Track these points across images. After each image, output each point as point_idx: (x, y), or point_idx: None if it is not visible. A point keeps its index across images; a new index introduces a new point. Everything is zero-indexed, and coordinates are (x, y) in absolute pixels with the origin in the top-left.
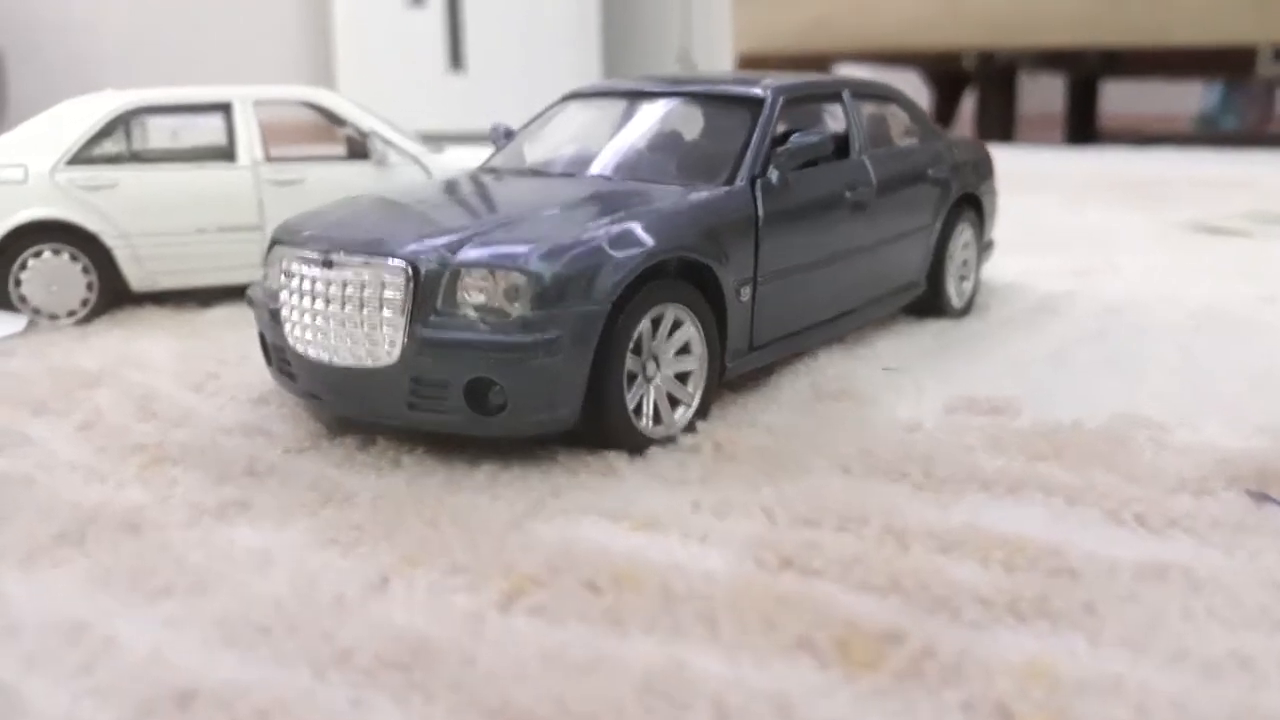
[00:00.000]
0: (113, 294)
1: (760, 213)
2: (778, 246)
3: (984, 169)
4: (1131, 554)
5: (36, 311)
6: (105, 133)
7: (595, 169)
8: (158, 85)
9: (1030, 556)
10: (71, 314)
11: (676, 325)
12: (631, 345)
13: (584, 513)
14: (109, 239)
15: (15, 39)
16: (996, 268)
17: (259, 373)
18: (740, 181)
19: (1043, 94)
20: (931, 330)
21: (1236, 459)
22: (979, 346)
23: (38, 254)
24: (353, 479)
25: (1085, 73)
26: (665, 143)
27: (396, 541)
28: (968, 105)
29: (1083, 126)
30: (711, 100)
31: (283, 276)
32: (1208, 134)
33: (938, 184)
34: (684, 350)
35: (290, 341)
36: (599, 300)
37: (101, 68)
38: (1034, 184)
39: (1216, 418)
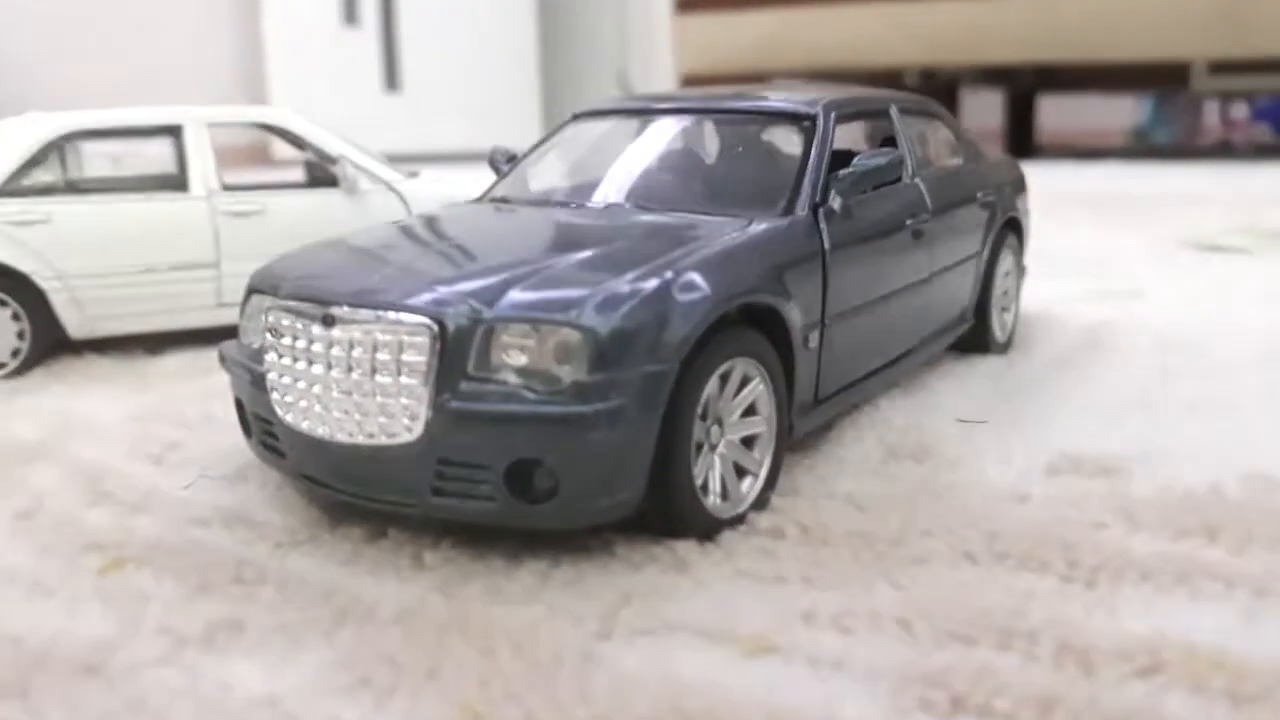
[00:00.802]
0: (48, 343)
1: (826, 245)
2: (844, 283)
3: (1020, 188)
4: None
5: None
6: (36, 161)
7: (626, 198)
8: (82, 108)
9: (1254, 680)
10: (0, 367)
11: (743, 381)
12: (701, 410)
13: (671, 630)
14: (42, 280)
15: None
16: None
17: (231, 439)
18: (801, 211)
19: (982, 110)
20: (981, 370)
21: None
22: (1044, 390)
23: None
24: (368, 585)
25: (1023, 89)
26: (702, 167)
27: (445, 681)
28: None
29: (1022, 141)
30: (752, 118)
31: (268, 335)
32: (1142, 148)
33: (985, 207)
34: (749, 411)
35: (279, 413)
36: (667, 358)
37: (18, 87)
38: None
39: None
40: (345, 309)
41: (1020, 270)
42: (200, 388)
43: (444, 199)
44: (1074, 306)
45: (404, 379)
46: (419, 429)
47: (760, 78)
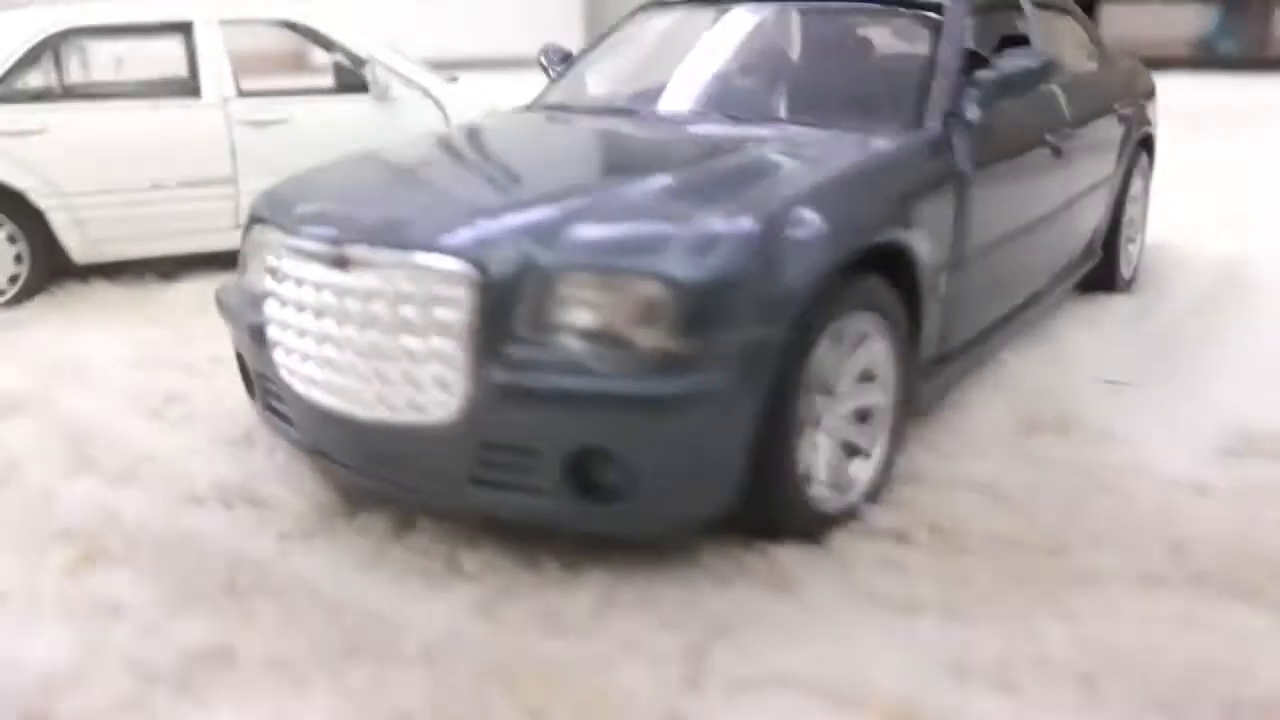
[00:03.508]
0: (51, 268)
1: (963, 166)
2: (981, 214)
3: (1151, 99)
4: None
5: None
6: (28, 62)
7: (708, 105)
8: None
9: None
10: None
11: (860, 341)
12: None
13: (781, 683)
14: (40, 198)
15: None
16: None
17: (240, 390)
18: (931, 123)
19: None
20: (1114, 314)
21: None
22: (1194, 342)
23: None
24: (393, 600)
25: None
26: (803, 68)
27: None
28: None
29: None
30: (863, 7)
31: (269, 277)
32: (1208, 58)
33: (1123, 121)
34: (864, 375)
35: (284, 376)
36: (777, 317)
37: None
38: None
39: None
40: (363, 248)
41: (1146, 195)
42: (214, 323)
43: (488, 107)
44: (1197, 236)
45: (436, 341)
46: (455, 405)
47: None
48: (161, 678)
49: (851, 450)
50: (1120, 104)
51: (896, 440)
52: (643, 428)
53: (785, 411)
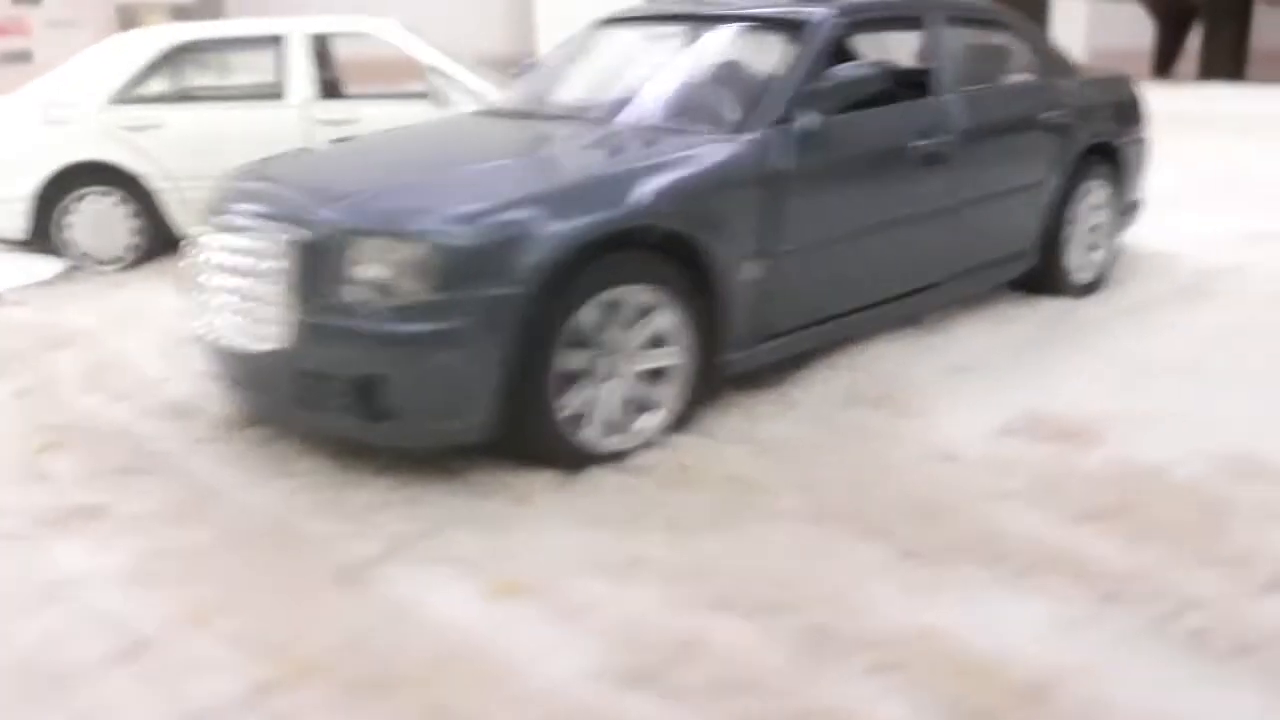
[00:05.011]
0: (166, 239)
1: (780, 167)
2: (807, 210)
3: (1128, 113)
4: (1180, 705)
5: (84, 256)
6: (151, 70)
7: (596, 111)
8: None
9: (996, 695)
10: (119, 260)
11: (646, 311)
12: (571, 337)
13: (450, 561)
14: (154, 181)
15: None
16: (1169, 231)
17: None
18: (756, 128)
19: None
20: (1041, 315)
21: None
22: (1091, 341)
23: (82, 197)
24: (231, 488)
25: None
26: (689, 80)
27: (204, 584)
28: (1194, 41)
29: None
30: (751, 25)
31: (202, 239)
32: None
33: (1055, 131)
34: (656, 342)
35: (208, 317)
36: (517, 280)
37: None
38: (1258, 128)
39: None
40: (241, 218)
41: (1123, 206)
42: None
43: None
44: (1215, 245)
45: (273, 288)
46: (282, 339)
47: None
48: (48, 521)
49: (644, 404)
50: (1053, 114)
51: (689, 398)
52: (405, 360)
53: (542, 362)
